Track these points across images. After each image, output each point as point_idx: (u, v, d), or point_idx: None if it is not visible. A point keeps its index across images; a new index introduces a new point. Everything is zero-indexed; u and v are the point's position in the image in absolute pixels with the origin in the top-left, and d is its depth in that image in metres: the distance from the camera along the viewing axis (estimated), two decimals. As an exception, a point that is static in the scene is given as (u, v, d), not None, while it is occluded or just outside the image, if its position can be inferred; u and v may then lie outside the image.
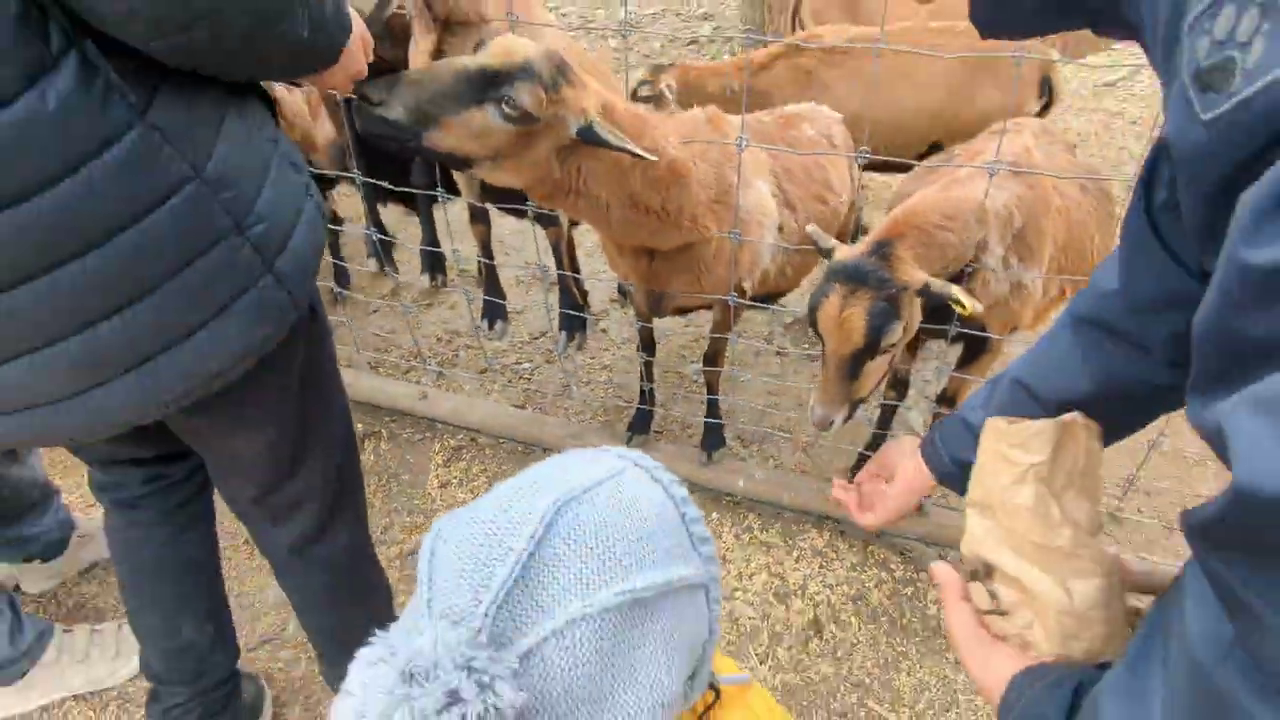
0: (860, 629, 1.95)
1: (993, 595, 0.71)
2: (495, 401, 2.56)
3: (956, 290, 1.38)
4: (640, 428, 2.29)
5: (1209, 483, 2.28)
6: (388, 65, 1.90)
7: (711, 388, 2.19)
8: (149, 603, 1.42)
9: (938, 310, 1.53)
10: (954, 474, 0.95)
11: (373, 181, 1.99)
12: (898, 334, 1.44)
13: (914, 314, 1.48)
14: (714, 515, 2.24)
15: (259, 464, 1.22)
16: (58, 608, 2.00)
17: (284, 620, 1.95)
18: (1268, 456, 0.34)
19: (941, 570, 0.78)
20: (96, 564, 2.07)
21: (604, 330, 3.02)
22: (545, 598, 0.54)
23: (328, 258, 2.76)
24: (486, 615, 0.52)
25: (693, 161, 1.63)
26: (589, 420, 2.54)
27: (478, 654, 0.49)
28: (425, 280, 2.27)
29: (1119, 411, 0.82)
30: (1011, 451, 0.70)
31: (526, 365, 2.79)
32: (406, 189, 2.00)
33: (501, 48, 1.31)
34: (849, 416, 1.56)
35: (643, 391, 2.25)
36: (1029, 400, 0.87)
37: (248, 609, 1.97)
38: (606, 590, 0.55)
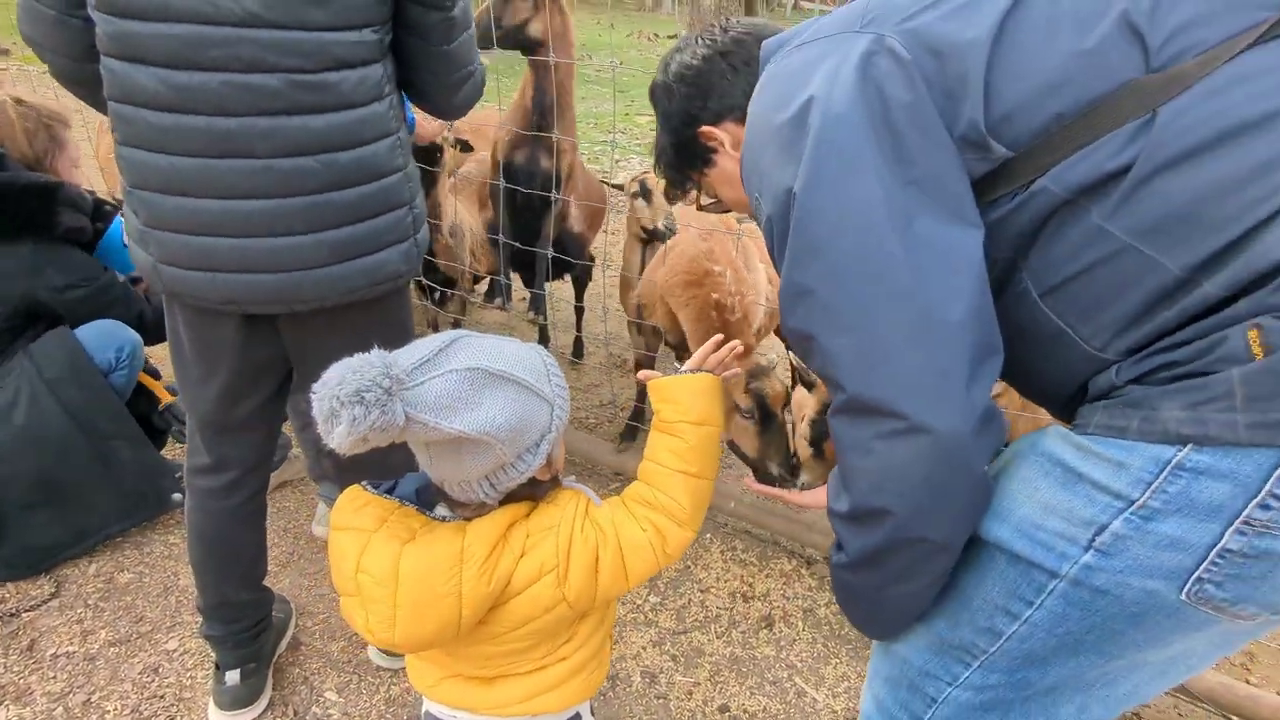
0: (804, 630, 2.39)
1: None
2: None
3: None
4: (630, 436, 2.97)
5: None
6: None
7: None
8: (200, 565, 1.85)
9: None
10: None
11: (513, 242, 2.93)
12: None
13: None
14: (707, 535, 2.77)
15: None
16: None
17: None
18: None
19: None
20: (291, 482, 2.91)
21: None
22: (442, 364, 0.95)
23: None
24: (413, 365, 0.93)
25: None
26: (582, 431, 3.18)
27: (392, 372, 0.87)
28: (530, 315, 3.15)
29: None
30: None
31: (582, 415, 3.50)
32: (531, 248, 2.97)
33: None
34: None
35: (638, 409, 2.97)
36: None
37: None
38: (473, 362, 0.96)
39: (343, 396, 0.84)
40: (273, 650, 2.07)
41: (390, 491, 1.12)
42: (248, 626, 1.92)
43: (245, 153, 1.35)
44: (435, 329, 3.48)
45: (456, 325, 3.50)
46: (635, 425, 3.07)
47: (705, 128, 1.15)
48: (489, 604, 1.04)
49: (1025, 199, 0.80)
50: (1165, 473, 0.72)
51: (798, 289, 0.84)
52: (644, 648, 2.29)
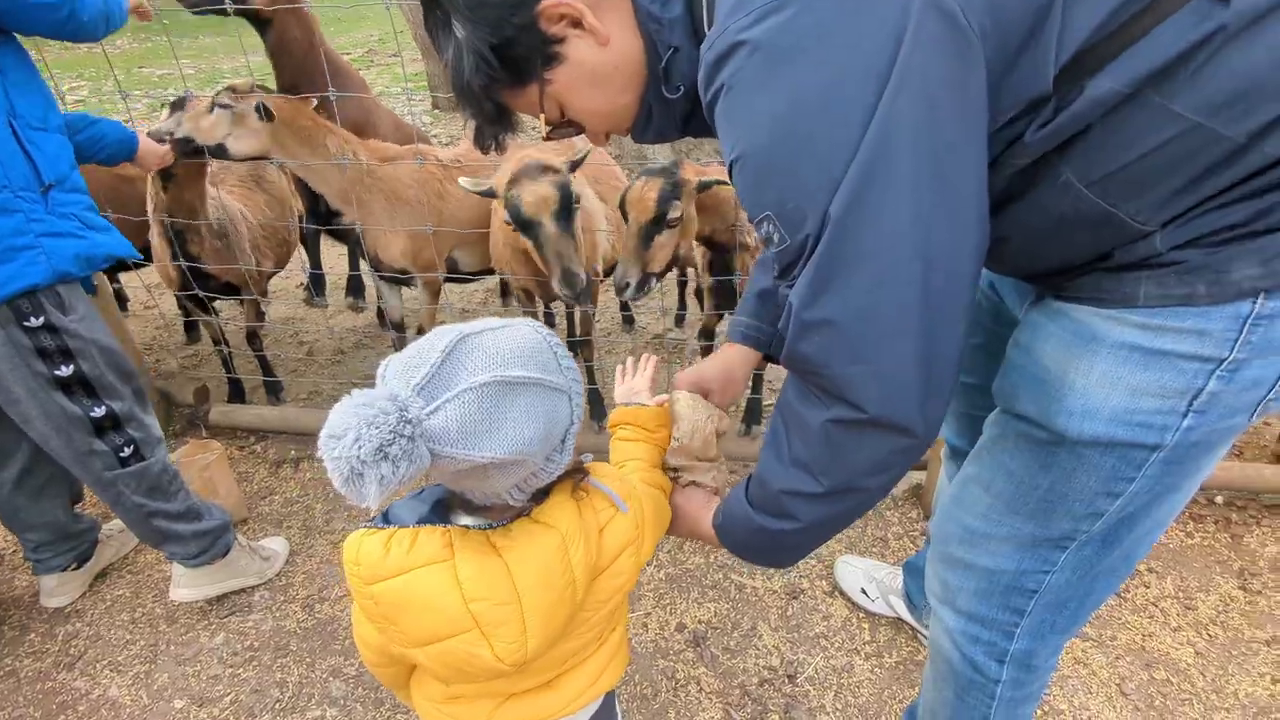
0: (720, 531, 2.53)
1: (675, 473, 1.29)
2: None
3: (716, 176, 2.13)
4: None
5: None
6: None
7: (587, 357, 2.81)
8: None
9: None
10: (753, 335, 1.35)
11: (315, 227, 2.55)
12: (678, 212, 2.11)
13: (691, 210, 2.18)
14: (601, 475, 2.79)
15: None
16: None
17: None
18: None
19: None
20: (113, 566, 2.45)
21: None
22: (450, 380, 0.82)
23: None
24: (416, 387, 0.80)
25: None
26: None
27: (409, 414, 0.76)
28: (348, 301, 2.79)
29: None
30: (698, 413, 1.30)
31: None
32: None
33: None
34: (642, 285, 2.17)
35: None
36: (763, 307, 1.33)
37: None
38: (488, 374, 0.83)
39: (364, 456, 0.73)
40: None
41: (386, 520, 1.00)
42: None
43: None
44: (224, 344, 2.99)
45: (252, 337, 3.04)
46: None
47: (547, 2, 0.87)
48: (594, 574, 1.03)
49: (1077, 106, 0.74)
50: (1246, 325, 0.78)
51: (819, 319, 0.79)
52: (586, 600, 2.28)
